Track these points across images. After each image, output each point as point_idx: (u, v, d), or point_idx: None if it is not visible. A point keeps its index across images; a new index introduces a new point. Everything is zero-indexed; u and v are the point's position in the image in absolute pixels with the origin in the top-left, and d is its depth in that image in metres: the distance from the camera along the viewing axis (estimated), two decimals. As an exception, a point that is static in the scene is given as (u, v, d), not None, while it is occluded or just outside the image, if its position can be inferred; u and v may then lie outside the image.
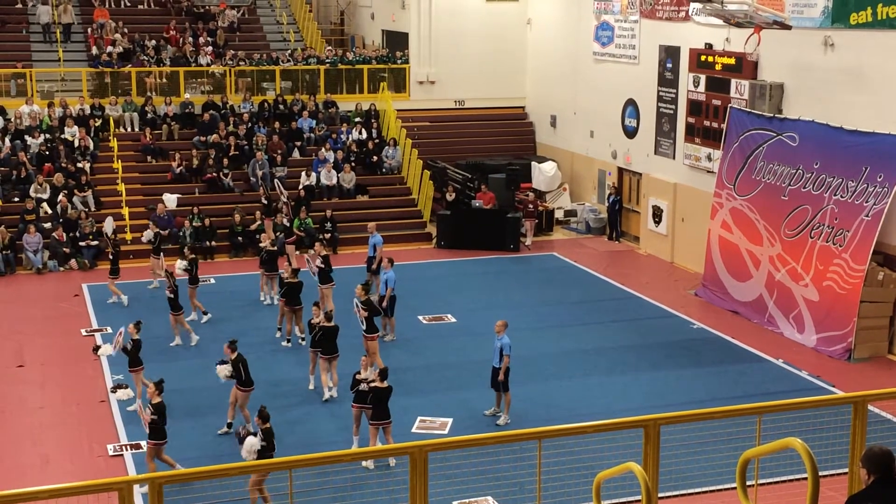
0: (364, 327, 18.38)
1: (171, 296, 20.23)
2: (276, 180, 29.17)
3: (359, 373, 15.87)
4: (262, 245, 23.38)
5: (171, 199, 27.95)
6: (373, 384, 15.36)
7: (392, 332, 20.97)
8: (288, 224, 26.64)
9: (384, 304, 20.59)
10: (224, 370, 16.35)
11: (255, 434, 14.08)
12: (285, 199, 27.99)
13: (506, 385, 16.92)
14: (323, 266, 21.40)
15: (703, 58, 25.49)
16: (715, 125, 25.07)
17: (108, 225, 25.50)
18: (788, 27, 21.65)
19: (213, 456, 15.28)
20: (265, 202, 28.52)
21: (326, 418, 17.22)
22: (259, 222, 27.07)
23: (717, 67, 24.98)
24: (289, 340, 20.59)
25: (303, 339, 20.38)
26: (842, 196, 20.65)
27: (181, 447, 15.39)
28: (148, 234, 25.34)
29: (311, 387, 18.32)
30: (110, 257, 23.28)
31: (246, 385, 16.41)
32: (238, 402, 16.48)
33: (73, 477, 14.72)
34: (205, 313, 21.99)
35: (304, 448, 15.04)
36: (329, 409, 17.51)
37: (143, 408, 15.11)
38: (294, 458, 8.87)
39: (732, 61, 24.41)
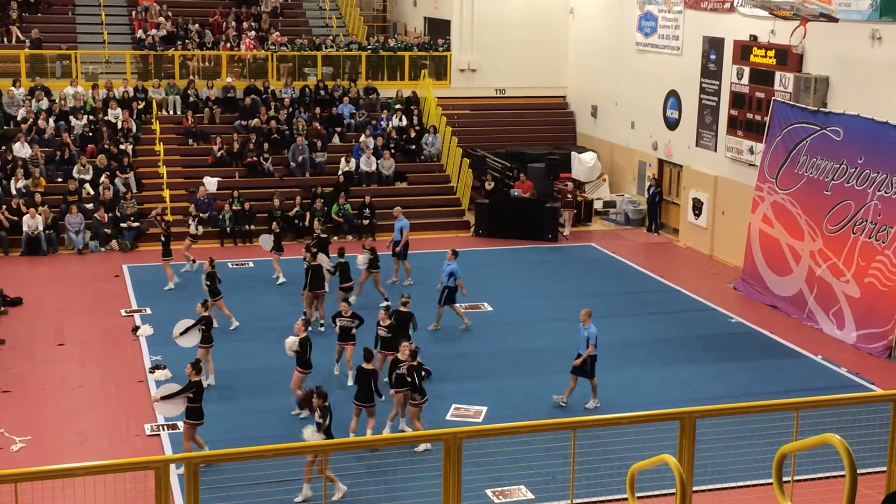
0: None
1: (209, 283, 20.07)
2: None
3: (396, 358, 15.91)
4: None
5: (211, 183, 28.12)
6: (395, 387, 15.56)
7: (465, 319, 20.83)
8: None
9: (443, 292, 20.54)
10: (292, 343, 16.55)
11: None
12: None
13: (592, 371, 16.87)
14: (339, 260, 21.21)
15: (747, 49, 25.24)
16: (758, 118, 24.83)
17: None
18: (835, 20, 21.38)
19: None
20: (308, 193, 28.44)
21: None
22: (298, 208, 27.07)
23: (762, 60, 24.73)
24: (322, 325, 20.50)
25: (322, 324, 20.43)
26: (886, 192, 20.39)
27: (222, 427, 15.53)
28: (199, 230, 25.11)
29: (337, 372, 18.22)
30: (162, 239, 23.33)
31: (304, 367, 16.65)
32: (292, 383, 16.67)
33: (110, 455, 14.88)
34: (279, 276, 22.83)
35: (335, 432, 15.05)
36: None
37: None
38: (332, 442, 8.92)
39: (777, 54, 24.14)
